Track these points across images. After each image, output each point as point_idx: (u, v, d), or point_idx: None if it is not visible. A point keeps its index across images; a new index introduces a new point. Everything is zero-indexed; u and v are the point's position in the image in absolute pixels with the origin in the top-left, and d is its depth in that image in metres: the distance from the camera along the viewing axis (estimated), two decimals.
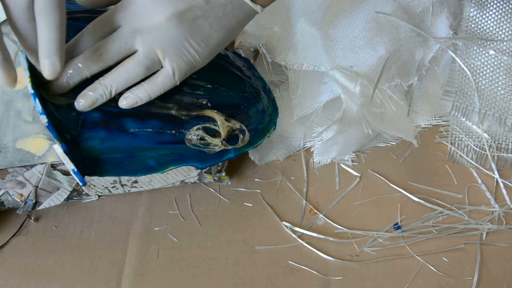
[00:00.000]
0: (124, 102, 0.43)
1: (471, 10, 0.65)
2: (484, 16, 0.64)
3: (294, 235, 0.54)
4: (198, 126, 0.46)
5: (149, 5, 0.41)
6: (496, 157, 0.59)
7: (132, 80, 0.42)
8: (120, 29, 0.41)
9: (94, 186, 0.52)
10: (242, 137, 0.49)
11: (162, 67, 0.42)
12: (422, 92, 0.63)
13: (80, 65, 0.41)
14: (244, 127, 0.48)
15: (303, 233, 0.54)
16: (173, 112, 0.46)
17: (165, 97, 0.44)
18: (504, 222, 0.55)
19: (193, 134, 0.46)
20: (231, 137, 0.49)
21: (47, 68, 0.38)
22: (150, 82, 0.42)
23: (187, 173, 0.53)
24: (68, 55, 0.40)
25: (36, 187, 0.49)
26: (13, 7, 0.36)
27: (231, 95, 0.50)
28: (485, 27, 0.64)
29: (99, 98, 0.42)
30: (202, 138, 0.46)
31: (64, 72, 0.41)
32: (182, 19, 0.41)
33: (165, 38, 0.41)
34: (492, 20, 0.64)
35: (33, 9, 0.36)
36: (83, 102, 0.42)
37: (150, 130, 0.45)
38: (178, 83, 0.43)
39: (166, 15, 0.41)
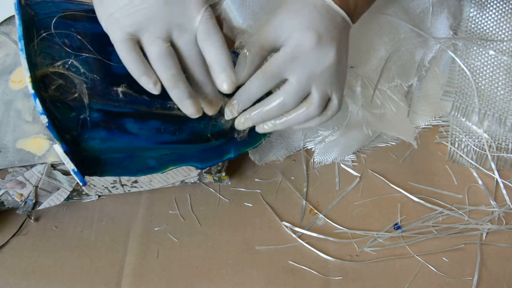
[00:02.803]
0: (295, 127, 0.47)
1: (471, 10, 0.65)
2: (484, 16, 0.64)
3: (294, 235, 0.54)
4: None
5: (316, 50, 0.42)
6: (496, 157, 0.59)
7: (311, 119, 0.46)
8: (295, 81, 0.43)
9: (94, 186, 0.52)
10: None
11: (329, 99, 0.46)
12: (422, 93, 0.63)
13: (270, 124, 0.46)
14: None
15: (303, 233, 0.54)
16: (174, 111, 0.46)
17: (165, 97, 0.44)
18: (504, 222, 0.55)
19: None
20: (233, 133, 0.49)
21: (225, 81, 0.41)
22: (323, 116, 0.46)
23: (187, 173, 0.53)
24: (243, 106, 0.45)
25: (36, 187, 0.49)
26: (183, 47, 0.40)
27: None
28: (485, 27, 0.64)
29: (277, 130, 0.47)
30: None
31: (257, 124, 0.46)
32: (339, 56, 0.44)
33: (333, 77, 0.44)
34: (492, 20, 0.64)
35: (198, 44, 0.40)
36: (261, 130, 0.47)
37: (150, 130, 0.45)
38: None
39: (332, 55, 0.43)
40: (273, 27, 0.44)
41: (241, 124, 0.46)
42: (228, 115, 0.45)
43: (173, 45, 0.41)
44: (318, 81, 0.44)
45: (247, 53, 0.44)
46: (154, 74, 0.40)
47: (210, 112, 0.44)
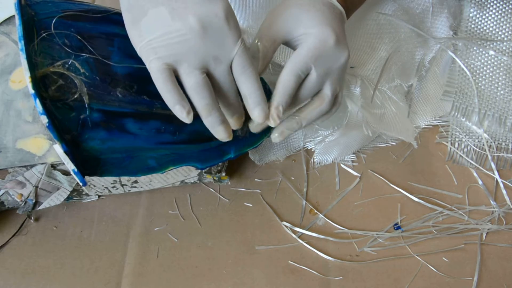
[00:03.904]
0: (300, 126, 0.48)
1: (471, 10, 0.65)
2: (484, 17, 0.64)
3: (294, 235, 0.54)
4: None
5: (336, 49, 0.44)
6: (496, 157, 0.59)
7: (321, 116, 0.48)
8: (315, 77, 0.45)
9: (94, 186, 0.52)
10: None
11: (335, 97, 0.48)
12: (422, 93, 0.63)
13: (287, 130, 0.47)
14: None
15: (303, 233, 0.54)
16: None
17: None
18: (504, 222, 0.55)
19: None
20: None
21: (258, 114, 0.43)
22: (328, 113, 0.49)
23: (187, 173, 0.53)
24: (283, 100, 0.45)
25: (36, 187, 0.49)
26: (218, 77, 0.41)
27: None
28: (485, 28, 0.64)
29: (292, 132, 0.48)
30: None
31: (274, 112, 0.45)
32: (349, 55, 0.46)
33: (342, 76, 0.47)
34: (492, 20, 0.64)
35: (232, 73, 0.42)
36: (280, 138, 0.47)
37: (150, 130, 0.45)
38: None
39: (346, 55, 0.45)
40: (285, 20, 0.45)
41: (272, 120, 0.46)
42: (275, 120, 0.44)
43: (207, 74, 0.41)
44: (332, 78, 0.46)
45: (259, 44, 0.45)
46: (188, 104, 0.40)
47: (235, 126, 0.46)
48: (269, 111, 0.43)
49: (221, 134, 0.43)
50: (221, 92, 0.43)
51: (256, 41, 0.45)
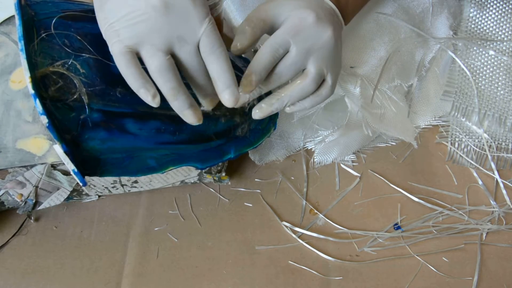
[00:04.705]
0: (288, 109, 0.48)
1: (471, 10, 0.65)
2: (484, 17, 0.64)
3: (294, 235, 0.54)
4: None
5: (316, 26, 0.44)
6: (496, 157, 0.59)
7: (305, 95, 0.46)
8: (295, 52, 0.44)
9: (94, 186, 0.52)
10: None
11: (324, 80, 0.47)
12: (422, 93, 0.63)
13: (261, 86, 0.45)
14: None
15: (303, 233, 0.54)
16: (174, 111, 0.46)
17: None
18: (504, 222, 0.55)
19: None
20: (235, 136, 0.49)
21: (228, 98, 0.41)
22: (317, 96, 0.47)
23: (187, 173, 0.53)
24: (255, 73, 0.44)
25: (36, 187, 0.49)
26: (184, 58, 0.40)
27: None
28: (485, 28, 0.64)
29: (274, 110, 0.46)
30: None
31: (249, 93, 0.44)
32: (337, 35, 0.46)
33: (329, 55, 0.46)
34: (492, 20, 0.64)
35: (200, 54, 0.40)
36: (259, 114, 0.46)
37: (150, 130, 0.45)
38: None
39: (329, 33, 0.45)
40: (273, 5, 0.45)
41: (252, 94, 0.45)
42: (246, 88, 0.43)
43: (173, 55, 0.40)
44: (315, 56, 0.45)
45: (247, 28, 0.44)
46: (153, 87, 0.39)
47: (209, 107, 0.45)
48: (239, 94, 0.42)
49: (189, 118, 0.42)
50: (189, 74, 0.41)
51: (245, 25, 0.44)
